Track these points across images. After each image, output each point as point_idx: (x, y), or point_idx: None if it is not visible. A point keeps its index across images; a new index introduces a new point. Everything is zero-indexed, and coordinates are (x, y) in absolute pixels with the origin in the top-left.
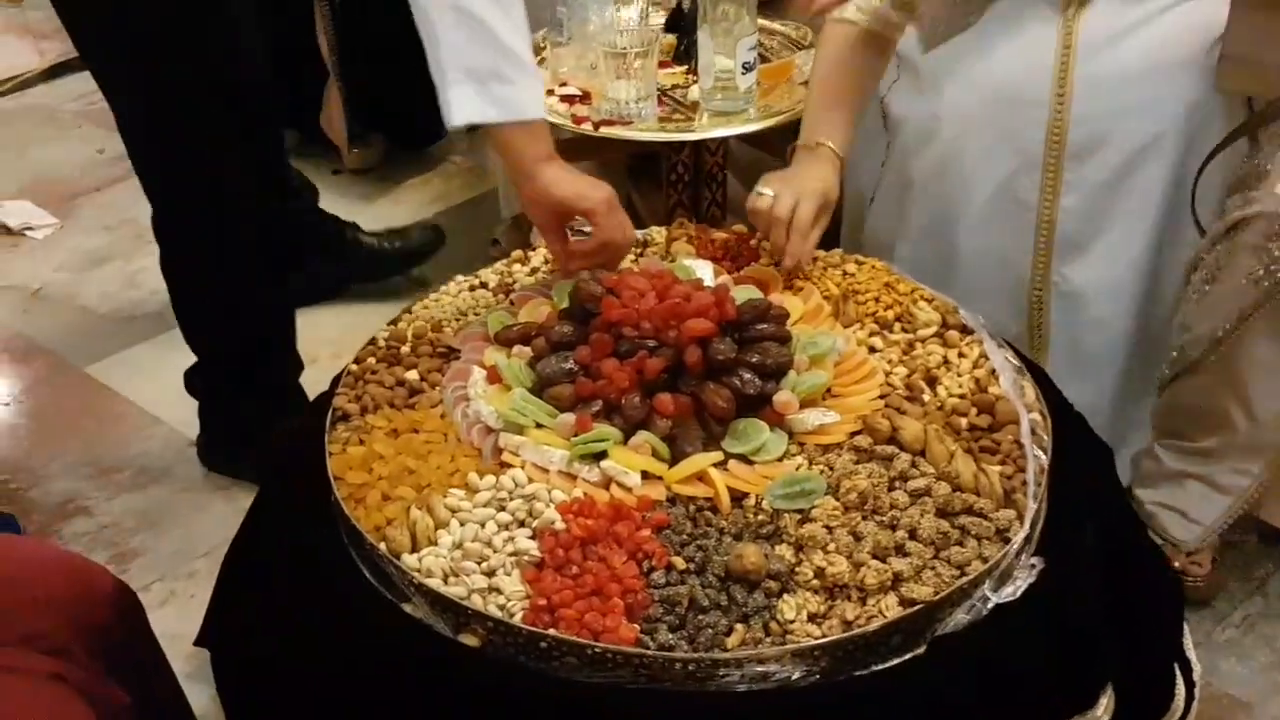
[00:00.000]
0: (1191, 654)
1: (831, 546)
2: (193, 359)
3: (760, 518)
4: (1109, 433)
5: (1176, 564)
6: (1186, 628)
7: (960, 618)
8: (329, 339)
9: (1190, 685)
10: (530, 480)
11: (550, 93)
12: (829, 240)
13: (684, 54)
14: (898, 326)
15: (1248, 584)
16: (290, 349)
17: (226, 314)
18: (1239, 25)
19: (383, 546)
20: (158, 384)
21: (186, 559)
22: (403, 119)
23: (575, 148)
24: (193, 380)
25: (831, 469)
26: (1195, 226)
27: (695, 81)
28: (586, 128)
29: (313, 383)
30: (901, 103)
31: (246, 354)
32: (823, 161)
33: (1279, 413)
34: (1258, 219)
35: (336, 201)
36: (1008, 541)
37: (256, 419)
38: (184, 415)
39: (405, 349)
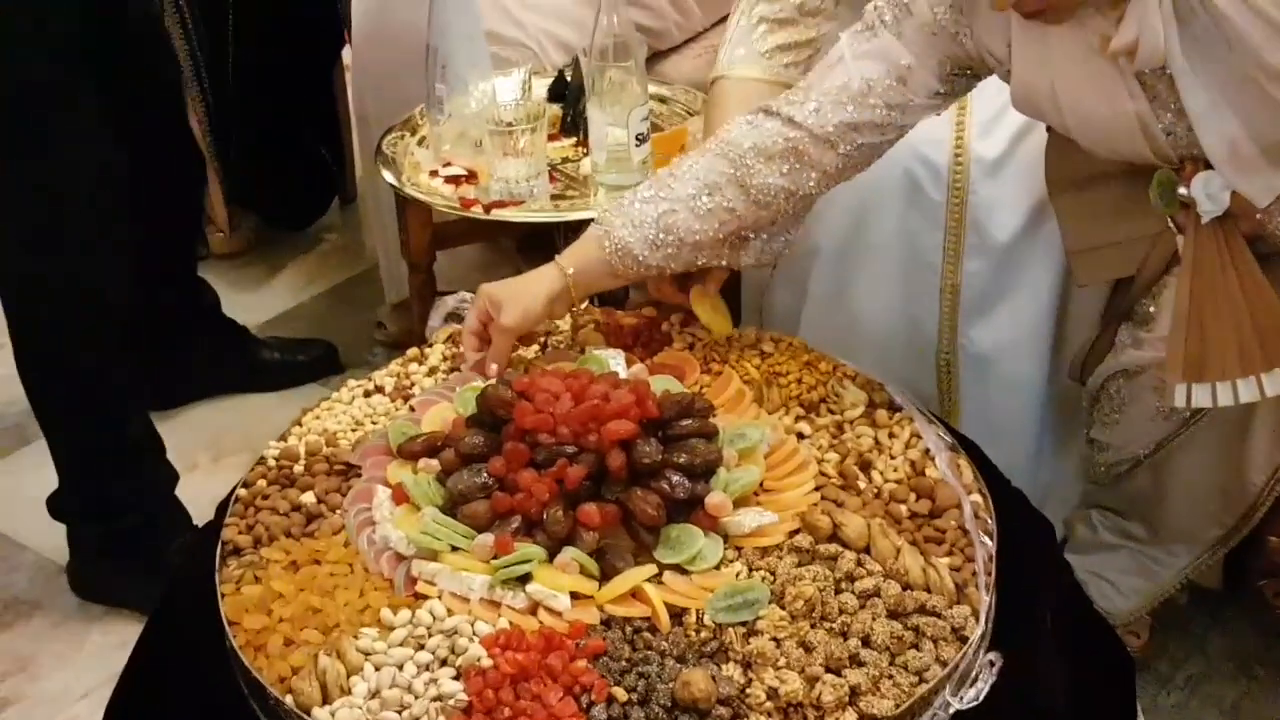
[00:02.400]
0: None
1: (782, 662)
2: (55, 477)
3: (703, 635)
4: (1033, 492)
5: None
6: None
7: None
8: (206, 441)
9: None
10: (450, 612)
11: (434, 174)
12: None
13: (571, 125)
14: (823, 409)
15: (1186, 642)
16: (161, 458)
17: (89, 418)
18: (1065, 221)
19: (289, 700)
20: (19, 507)
21: (64, 704)
22: (278, 197)
23: (463, 231)
24: (57, 502)
25: (774, 574)
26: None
27: (586, 154)
28: (476, 211)
29: (194, 492)
30: None
31: (116, 466)
32: None
33: (1211, 511)
34: (1151, 365)
35: None
36: (964, 640)
37: (131, 539)
38: (52, 541)
39: (299, 468)
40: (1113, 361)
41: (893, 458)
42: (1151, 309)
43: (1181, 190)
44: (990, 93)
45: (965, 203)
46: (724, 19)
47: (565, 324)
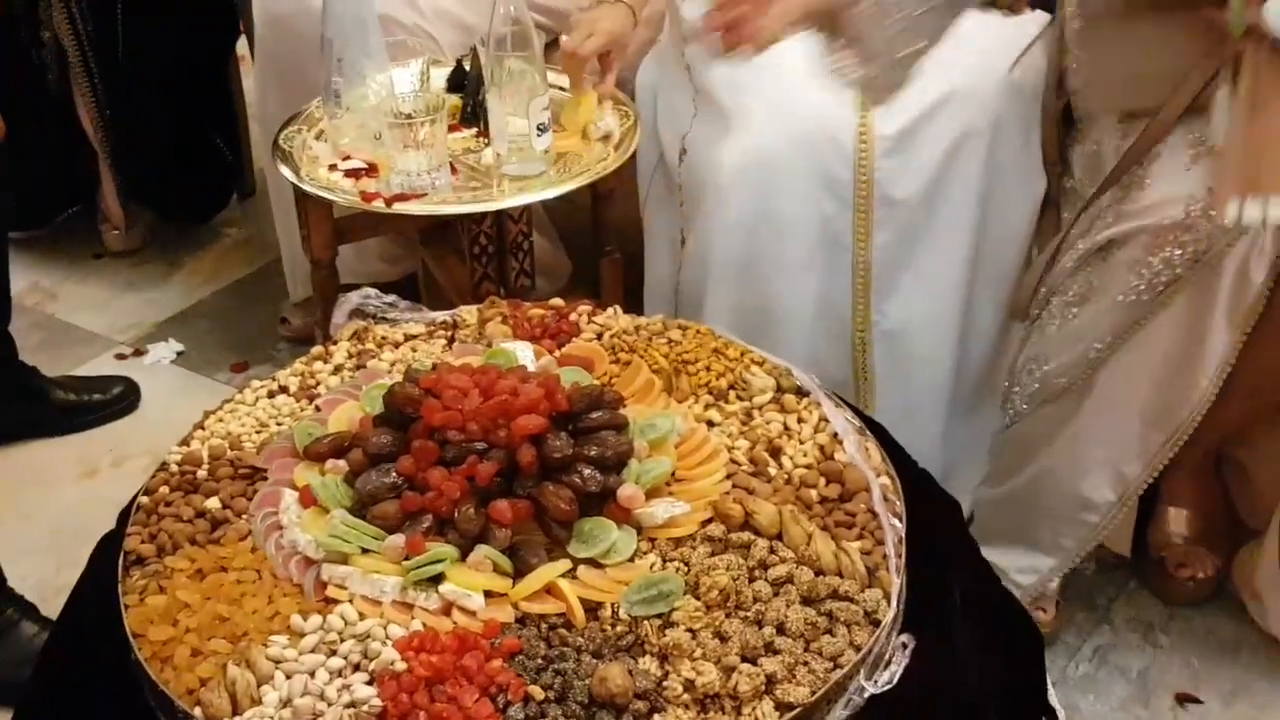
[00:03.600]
0: (1054, 699)
1: (698, 653)
2: None
3: (619, 629)
4: (941, 469)
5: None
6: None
7: (839, 713)
8: (109, 446)
9: None
10: (361, 616)
11: (333, 168)
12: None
13: (471, 116)
14: (732, 395)
15: (1093, 613)
16: None
17: None
18: (1098, 47)
19: (198, 712)
20: None
21: None
22: (174, 192)
23: (366, 223)
24: None
25: (688, 565)
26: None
27: (487, 144)
28: (378, 205)
29: (93, 496)
30: (703, 142)
31: None
32: (618, 10)
33: (1134, 436)
34: (1138, 234)
35: (100, 289)
36: (877, 624)
37: None
38: None
39: (202, 473)
40: (1083, 246)
41: (802, 443)
42: (1144, 175)
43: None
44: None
45: (871, 179)
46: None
47: (472, 318)
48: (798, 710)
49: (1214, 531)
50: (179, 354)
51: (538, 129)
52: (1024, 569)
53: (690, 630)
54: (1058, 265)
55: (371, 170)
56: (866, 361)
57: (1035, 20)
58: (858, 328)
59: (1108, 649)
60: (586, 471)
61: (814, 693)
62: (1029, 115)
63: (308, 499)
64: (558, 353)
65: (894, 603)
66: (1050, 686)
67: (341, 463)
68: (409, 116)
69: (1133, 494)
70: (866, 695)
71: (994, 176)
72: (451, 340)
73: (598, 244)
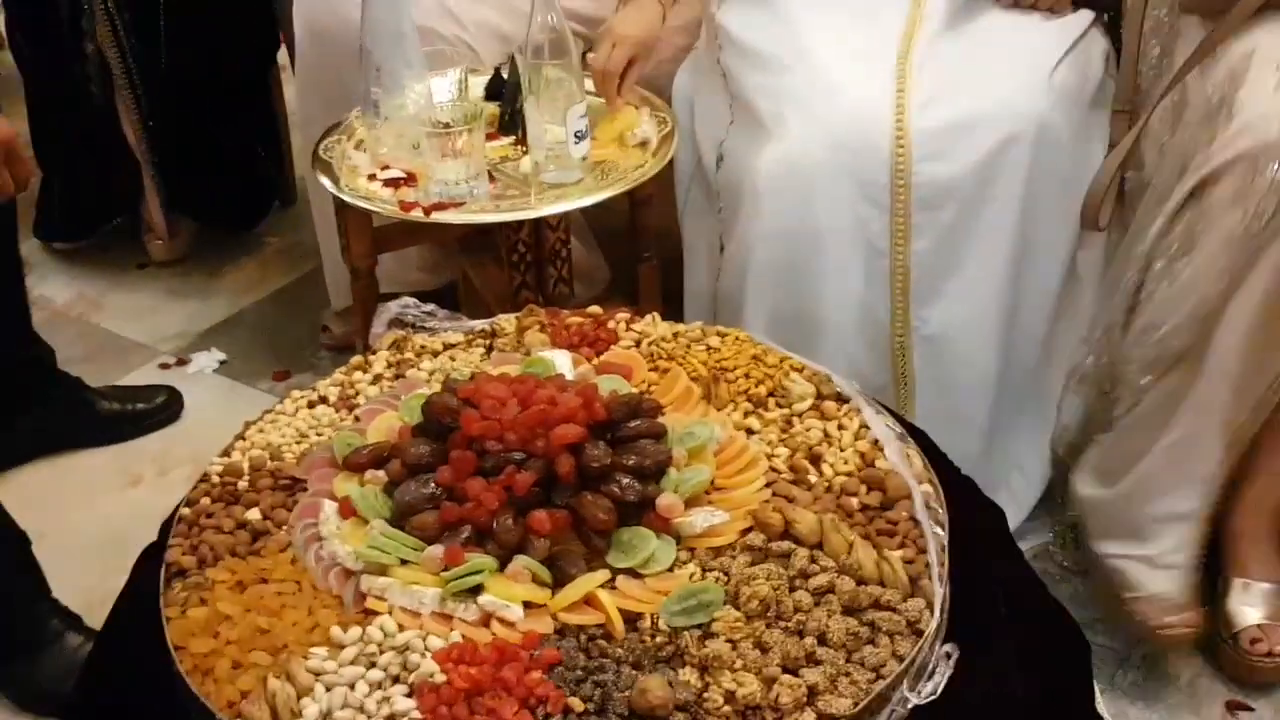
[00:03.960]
0: (1102, 707)
1: (739, 664)
2: None
3: (659, 639)
4: (986, 474)
5: (1156, 626)
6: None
7: None
8: (153, 455)
9: None
10: (401, 627)
11: (372, 177)
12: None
13: (509, 124)
14: (772, 403)
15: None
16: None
17: None
18: None
19: None
20: None
21: None
22: (217, 202)
23: (405, 232)
24: None
25: (727, 574)
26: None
27: (525, 153)
28: (417, 214)
29: (138, 506)
30: (741, 149)
31: None
32: (644, 7)
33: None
34: (1234, 164)
35: (144, 299)
36: (920, 634)
37: None
38: None
39: (243, 484)
40: (1174, 199)
41: (842, 450)
42: (1230, 104)
43: None
44: (930, 72)
45: (909, 184)
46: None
47: (510, 326)
48: None
49: None
50: (221, 363)
51: (575, 136)
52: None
53: (730, 641)
54: (1151, 230)
55: (410, 179)
56: (906, 367)
57: (1080, 18)
58: (897, 333)
59: (1157, 656)
60: (625, 481)
61: (856, 704)
62: (1075, 117)
63: (347, 510)
64: (596, 361)
65: (937, 612)
66: (1099, 694)
67: (380, 473)
68: (447, 125)
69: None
70: (910, 706)
71: (1037, 183)
72: (490, 349)
73: (636, 251)
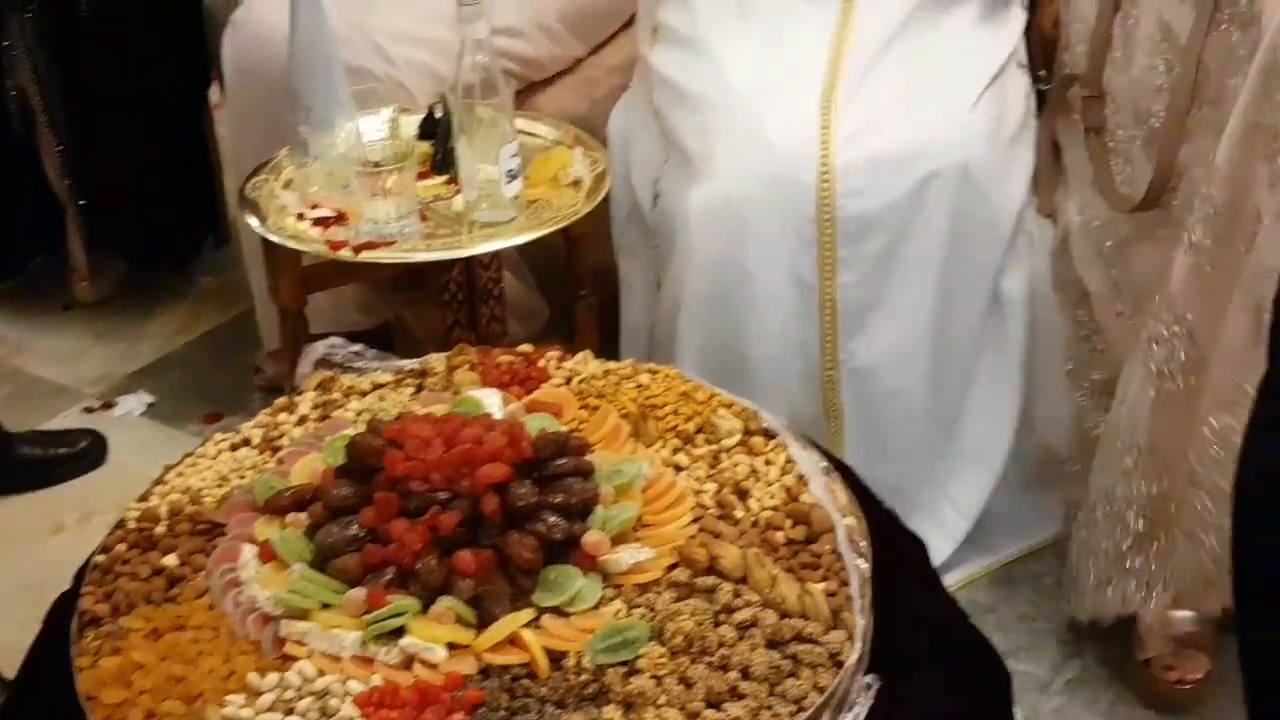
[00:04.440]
0: None
1: (662, 699)
2: None
3: (583, 678)
4: (917, 506)
5: (1169, 672)
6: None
7: None
8: (75, 501)
9: None
10: (320, 672)
11: (301, 216)
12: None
13: (442, 163)
14: (700, 439)
15: (1065, 647)
16: None
17: None
18: None
19: None
20: None
21: None
22: (145, 242)
23: (335, 271)
24: None
25: (653, 610)
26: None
27: (458, 192)
28: (346, 253)
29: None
30: (674, 187)
31: None
32: None
33: None
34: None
35: (69, 341)
36: (841, 665)
37: None
38: None
39: (160, 529)
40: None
41: (769, 485)
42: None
43: None
44: (854, 108)
45: (834, 218)
46: (600, 48)
47: (440, 365)
48: None
49: (1211, 630)
50: (150, 406)
51: (507, 175)
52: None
53: (655, 677)
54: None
55: (340, 219)
56: (836, 400)
57: (998, 54)
58: (826, 366)
59: (1078, 683)
60: (551, 519)
61: None
62: (995, 150)
63: (267, 554)
64: (526, 399)
65: (858, 643)
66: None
67: (302, 516)
68: (377, 164)
69: None
70: None
71: (960, 216)
72: (420, 389)
73: (572, 290)
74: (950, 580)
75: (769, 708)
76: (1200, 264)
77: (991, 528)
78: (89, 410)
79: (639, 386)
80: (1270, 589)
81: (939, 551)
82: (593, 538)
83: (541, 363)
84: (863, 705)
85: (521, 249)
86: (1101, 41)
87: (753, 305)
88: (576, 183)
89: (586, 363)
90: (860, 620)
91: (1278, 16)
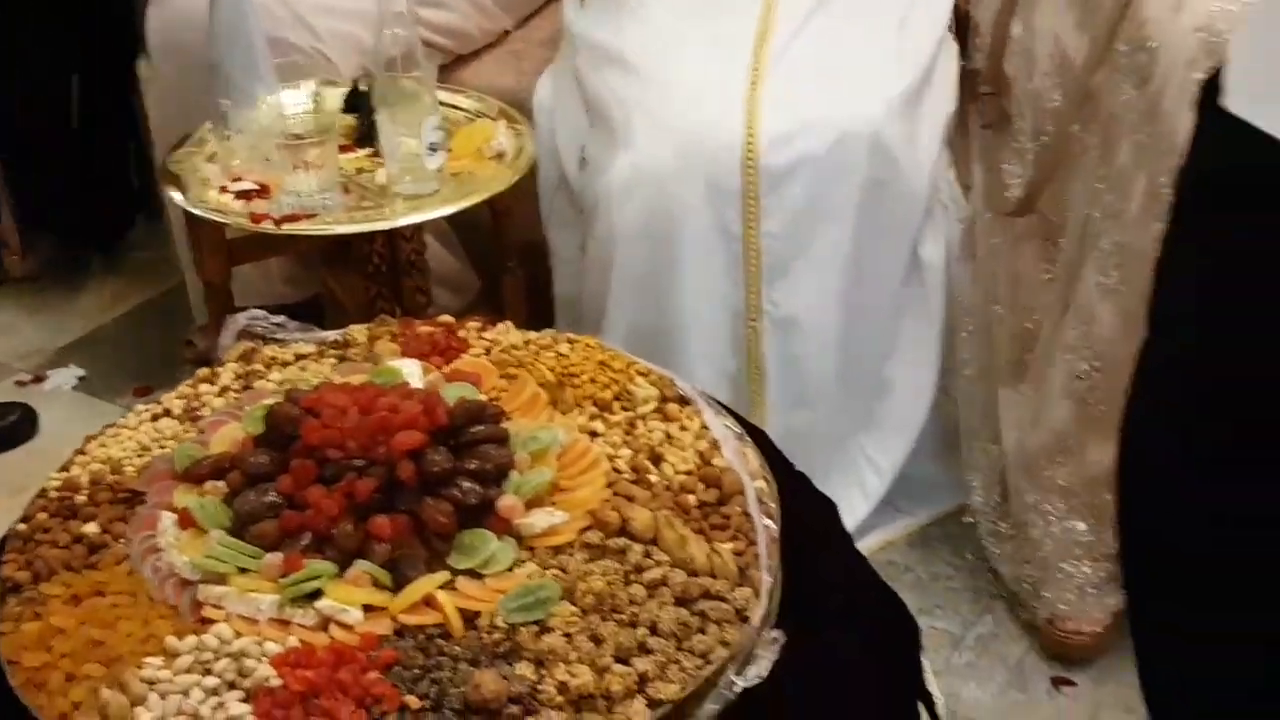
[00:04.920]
0: (934, 686)
1: (573, 656)
2: None
3: (496, 636)
4: (837, 465)
5: (1068, 624)
6: (926, 660)
7: (710, 708)
8: (5, 474)
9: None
10: (238, 635)
11: (223, 189)
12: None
13: (366, 136)
14: (617, 406)
15: (977, 604)
16: None
17: None
18: None
19: None
20: None
21: None
22: (75, 216)
23: (260, 245)
24: None
25: (565, 572)
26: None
27: (381, 164)
28: (268, 226)
29: None
30: (598, 153)
31: None
32: None
33: None
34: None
35: (3, 314)
36: (746, 621)
37: None
38: None
39: (81, 498)
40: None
41: (682, 450)
42: None
43: None
44: (781, 73)
45: (757, 166)
46: (528, 21)
47: (362, 337)
48: (668, 706)
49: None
50: (80, 379)
51: (429, 148)
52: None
53: (566, 635)
54: None
55: (263, 192)
56: (759, 354)
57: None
58: (750, 317)
59: (989, 638)
60: (466, 484)
61: (683, 689)
62: (914, 121)
63: (186, 521)
64: (445, 369)
65: (764, 599)
66: (932, 675)
67: (221, 484)
68: (298, 137)
69: None
70: (737, 689)
71: (874, 182)
72: (342, 359)
73: (500, 262)
74: (870, 542)
75: (676, 662)
76: (1125, 307)
77: (910, 491)
78: (20, 384)
79: (558, 356)
80: (1152, 561)
81: (857, 512)
82: (507, 502)
83: (462, 333)
84: (768, 658)
85: (452, 222)
86: (998, 42)
87: (679, 264)
88: (500, 155)
89: (507, 333)
90: (767, 578)
91: (1169, 50)
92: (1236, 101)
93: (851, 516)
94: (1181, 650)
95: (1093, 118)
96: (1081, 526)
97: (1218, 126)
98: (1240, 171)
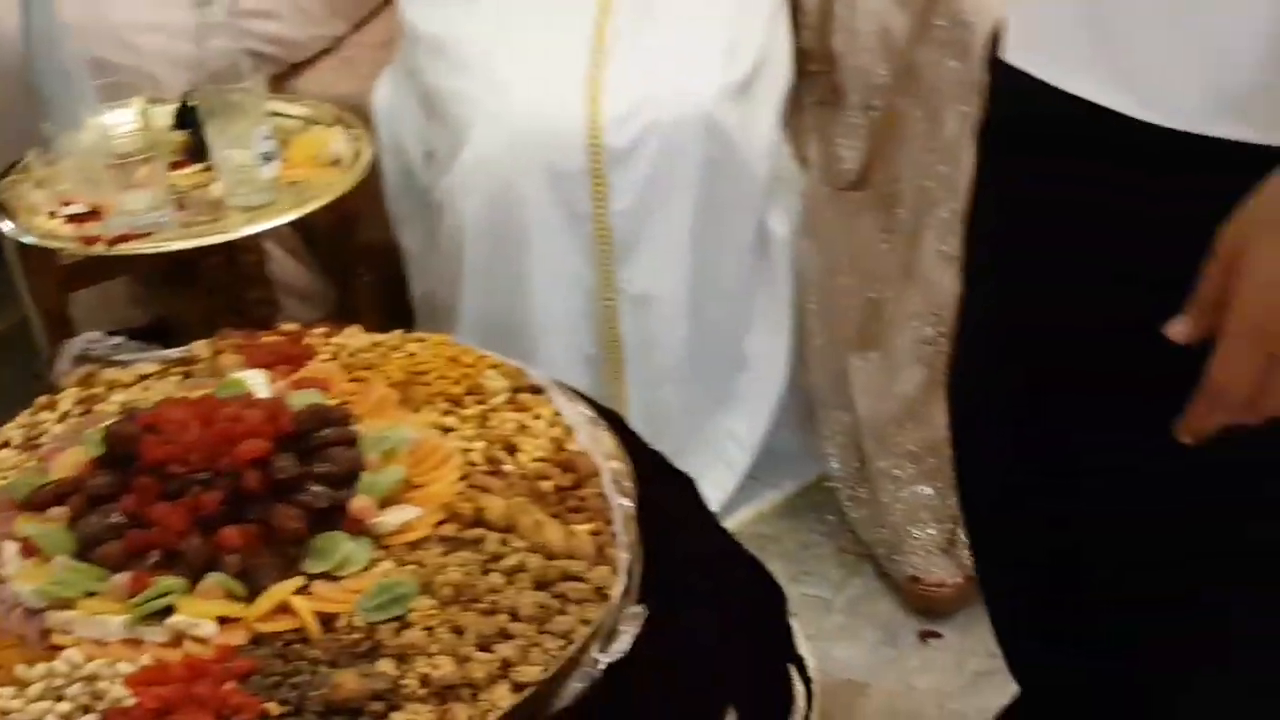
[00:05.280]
0: (805, 649)
1: (434, 648)
2: None
3: (355, 636)
4: (699, 441)
5: (930, 578)
6: (797, 624)
7: (575, 687)
8: None
9: (808, 682)
10: (89, 658)
11: (53, 214)
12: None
13: (199, 151)
14: (469, 400)
15: (845, 569)
16: None
17: None
18: None
19: None
20: None
21: None
22: None
23: (99, 268)
24: None
25: (422, 566)
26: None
27: (216, 179)
28: (100, 248)
29: None
30: (440, 147)
31: None
32: None
33: None
34: None
35: None
36: (606, 599)
37: None
38: None
39: None
40: None
41: (536, 438)
42: None
43: None
44: (619, 56)
45: (603, 145)
46: (363, 23)
47: (206, 352)
48: (533, 689)
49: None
50: None
51: (262, 159)
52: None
53: (427, 628)
54: None
55: (94, 214)
56: (616, 332)
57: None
58: (605, 296)
59: (859, 599)
60: (316, 488)
61: (546, 670)
62: (747, 101)
63: (29, 549)
64: (293, 378)
65: (622, 577)
66: (804, 639)
67: (64, 509)
68: (125, 157)
69: None
70: (601, 666)
71: (713, 160)
72: (187, 376)
73: (349, 269)
74: (739, 516)
75: (538, 644)
76: None
77: (775, 463)
78: None
79: (408, 355)
80: (975, 507)
81: (724, 486)
82: (359, 502)
83: (307, 341)
84: (630, 633)
85: (299, 232)
86: (825, 20)
87: (527, 252)
88: (337, 161)
89: (354, 337)
90: (625, 555)
91: (986, 22)
92: (1014, 53)
93: (719, 491)
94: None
95: (918, 91)
96: (928, 490)
97: (999, 78)
98: (1020, 120)
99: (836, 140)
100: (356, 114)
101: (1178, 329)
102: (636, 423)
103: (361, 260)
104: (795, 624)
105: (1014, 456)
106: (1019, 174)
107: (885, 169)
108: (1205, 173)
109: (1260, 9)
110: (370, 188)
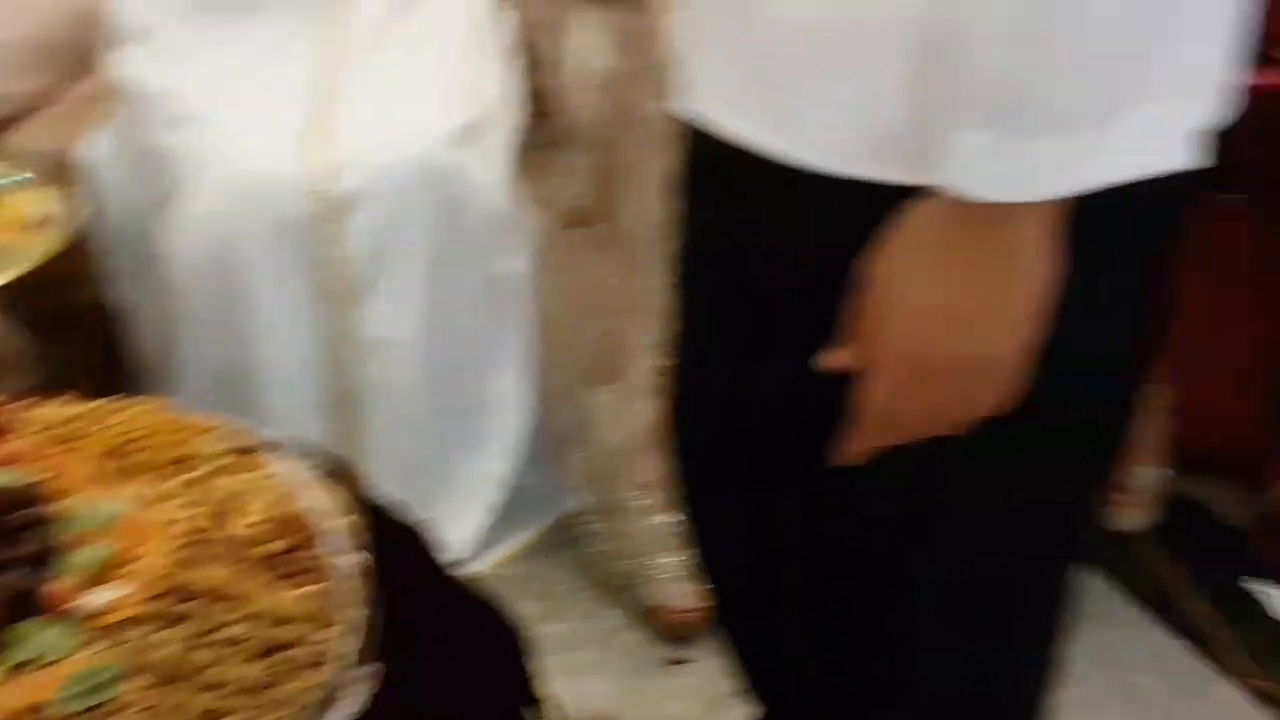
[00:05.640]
0: (557, 686)
1: None
2: None
3: None
4: (444, 483)
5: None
6: (548, 662)
7: None
8: None
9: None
10: None
11: None
12: (122, 382)
13: None
14: (184, 466)
15: (599, 604)
16: None
17: None
18: None
19: None
20: None
21: None
22: None
23: None
24: None
25: (134, 645)
26: None
27: None
28: None
29: None
30: (152, 202)
31: None
32: None
33: None
34: None
35: None
36: (333, 661)
37: None
38: None
39: None
40: None
41: (254, 501)
42: None
43: None
44: (346, 103)
45: (329, 194)
46: (78, 77)
47: None
48: None
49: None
50: None
51: None
52: None
53: (145, 709)
54: None
55: None
56: (354, 378)
57: (479, 56)
58: (340, 344)
59: (611, 633)
60: (10, 575)
61: None
62: (475, 145)
63: None
64: None
65: (350, 636)
66: (557, 675)
67: None
68: None
69: None
70: None
71: (443, 205)
72: None
73: (63, 334)
74: (489, 557)
75: (262, 716)
76: None
77: (523, 503)
78: None
79: (121, 422)
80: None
81: (473, 529)
82: (58, 586)
83: (4, 418)
84: (363, 694)
85: (4, 298)
86: (542, 64)
87: (252, 306)
88: (44, 223)
89: (62, 406)
90: (352, 614)
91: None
92: (690, 98)
93: (469, 533)
94: (731, 609)
95: (635, 131)
96: (670, 519)
97: (683, 122)
98: (698, 160)
99: (565, 179)
100: (70, 170)
101: (828, 359)
102: (378, 470)
103: (76, 324)
104: (546, 662)
105: (722, 485)
106: (695, 212)
107: (609, 207)
108: (856, 211)
109: (898, 60)
110: (84, 248)
